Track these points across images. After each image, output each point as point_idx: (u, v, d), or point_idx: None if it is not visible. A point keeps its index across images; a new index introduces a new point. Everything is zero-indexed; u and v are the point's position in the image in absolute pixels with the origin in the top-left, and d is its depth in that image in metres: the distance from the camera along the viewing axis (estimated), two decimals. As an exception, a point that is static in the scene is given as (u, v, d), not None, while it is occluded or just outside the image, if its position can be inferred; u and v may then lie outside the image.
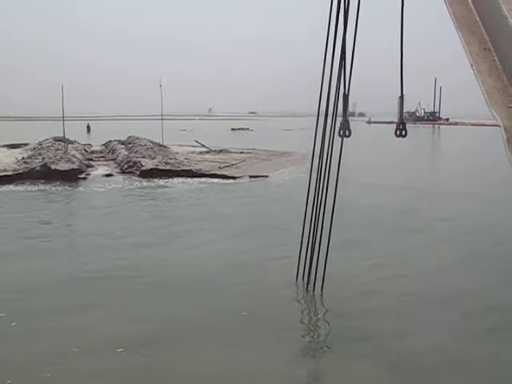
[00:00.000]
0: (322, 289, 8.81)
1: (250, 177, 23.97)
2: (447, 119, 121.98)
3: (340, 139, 8.24)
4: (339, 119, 8.40)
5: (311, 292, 8.93)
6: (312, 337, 7.79)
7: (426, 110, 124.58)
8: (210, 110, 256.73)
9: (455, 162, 33.89)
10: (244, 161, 29.77)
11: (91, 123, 74.08)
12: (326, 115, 8.64)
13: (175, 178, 23.14)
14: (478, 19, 4.80)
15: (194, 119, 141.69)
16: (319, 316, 8.45)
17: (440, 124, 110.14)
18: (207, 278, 9.88)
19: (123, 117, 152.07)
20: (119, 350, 6.92)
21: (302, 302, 8.96)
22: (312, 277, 8.97)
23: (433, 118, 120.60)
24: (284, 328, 7.69)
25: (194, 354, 6.91)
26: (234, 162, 28.55)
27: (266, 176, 24.17)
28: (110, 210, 16.73)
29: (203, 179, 23.24)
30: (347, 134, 8.19)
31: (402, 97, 8.05)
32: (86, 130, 68.59)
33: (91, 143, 43.07)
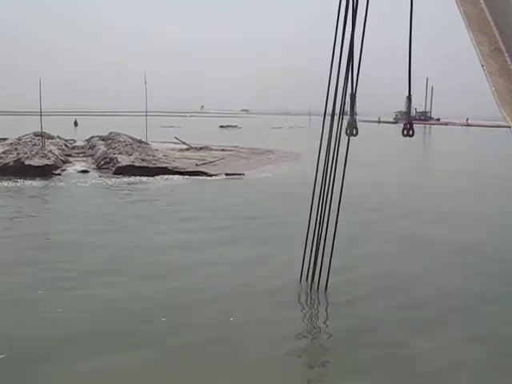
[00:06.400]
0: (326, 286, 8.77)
1: (226, 174, 23.93)
2: (438, 119, 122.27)
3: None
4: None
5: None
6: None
7: (418, 110, 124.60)
8: (202, 107, 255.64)
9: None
10: (223, 158, 29.71)
11: (83, 118, 73.76)
12: (332, 114, 8.55)
13: (152, 176, 22.98)
14: (489, 19, 4.76)
15: (186, 116, 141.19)
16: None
17: (431, 124, 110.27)
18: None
19: (116, 112, 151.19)
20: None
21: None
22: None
23: (424, 117, 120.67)
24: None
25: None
26: (213, 160, 28.48)
27: (242, 174, 24.12)
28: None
29: (180, 176, 23.18)
30: (354, 132, 8.16)
31: (409, 97, 8.03)
32: (73, 125, 68.46)
33: (76, 139, 42.62)
